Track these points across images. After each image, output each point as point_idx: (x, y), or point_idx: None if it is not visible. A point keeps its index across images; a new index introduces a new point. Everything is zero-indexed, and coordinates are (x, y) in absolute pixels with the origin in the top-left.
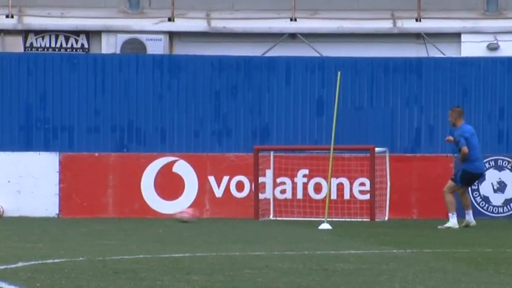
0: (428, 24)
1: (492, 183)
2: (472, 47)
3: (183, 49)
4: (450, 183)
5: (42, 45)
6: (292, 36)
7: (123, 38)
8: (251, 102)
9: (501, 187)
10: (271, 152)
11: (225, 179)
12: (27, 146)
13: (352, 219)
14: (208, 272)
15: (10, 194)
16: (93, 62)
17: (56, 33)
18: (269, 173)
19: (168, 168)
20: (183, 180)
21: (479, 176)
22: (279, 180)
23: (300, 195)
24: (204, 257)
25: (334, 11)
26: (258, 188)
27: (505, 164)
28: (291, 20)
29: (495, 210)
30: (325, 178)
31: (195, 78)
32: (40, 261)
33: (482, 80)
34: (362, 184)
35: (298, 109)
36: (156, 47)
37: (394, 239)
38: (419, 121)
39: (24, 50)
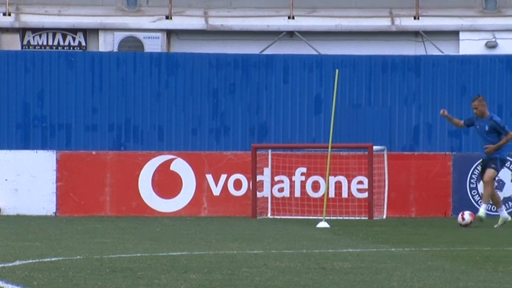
0: (427, 22)
1: None
2: (470, 45)
3: (180, 47)
4: (494, 172)
5: (40, 43)
6: (290, 34)
7: (120, 36)
8: (249, 100)
9: (499, 185)
10: (269, 150)
11: (223, 177)
12: (24, 144)
13: (350, 218)
14: (206, 271)
15: (7, 192)
16: (90, 60)
17: (54, 31)
18: (267, 171)
19: (166, 167)
20: (180, 178)
21: None
22: (276, 178)
23: (298, 194)
24: (201, 255)
25: (332, 8)
26: (255, 186)
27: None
28: (289, 18)
29: (493, 208)
30: (323, 176)
31: (192, 76)
32: (37, 260)
33: (480, 77)
34: (360, 182)
35: (296, 107)
36: (154, 45)
37: (392, 237)
38: (418, 119)
39: (22, 48)
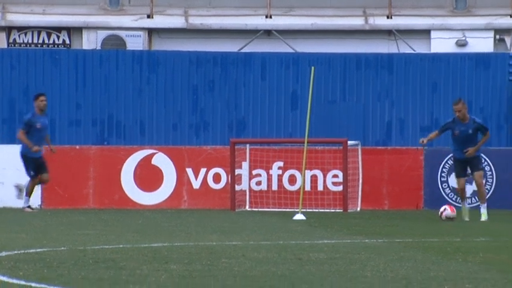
0: (399, 21)
1: None
2: (441, 44)
3: (161, 45)
4: (483, 173)
5: (25, 41)
6: (268, 32)
7: (103, 34)
8: (228, 97)
9: (468, 178)
10: (247, 145)
11: (203, 171)
12: (10, 138)
13: (326, 210)
14: (186, 261)
15: None
16: (74, 57)
17: (39, 29)
18: (245, 165)
19: (147, 161)
20: (162, 172)
21: None
22: (254, 172)
23: (275, 187)
24: (182, 246)
25: (308, 8)
26: (234, 179)
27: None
28: (266, 17)
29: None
30: (300, 170)
31: (173, 73)
32: (23, 251)
33: (451, 75)
34: (335, 176)
35: (273, 103)
36: (136, 43)
37: (366, 229)
38: (391, 115)
39: (8, 45)
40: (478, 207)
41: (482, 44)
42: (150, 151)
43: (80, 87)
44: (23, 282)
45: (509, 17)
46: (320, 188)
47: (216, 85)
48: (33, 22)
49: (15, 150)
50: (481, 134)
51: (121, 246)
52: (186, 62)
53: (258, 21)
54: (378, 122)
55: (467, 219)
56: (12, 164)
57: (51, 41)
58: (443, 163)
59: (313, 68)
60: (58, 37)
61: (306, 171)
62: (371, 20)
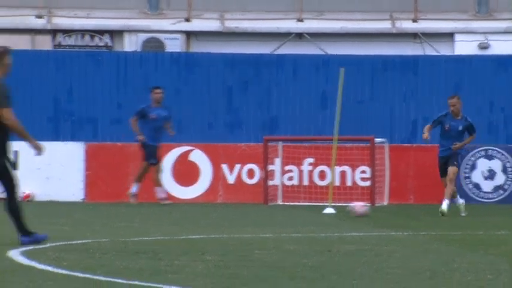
0: (424, 25)
1: (482, 171)
2: (465, 46)
3: (198, 47)
4: (457, 169)
5: (69, 43)
6: (299, 35)
7: (143, 37)
8: (261, 97)
9: (490, 175)
10: (280, 142)
11: (237, 167)
12: (55, 136)
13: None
14: (221, 253)
15: (39, 180)
16: (115, 59)
17: (82, 32)
18: (277, 161)
19: (185, 157)
20: (198, 168)
21: None
22: (286, 168)
23: (306, 182)
24: (217, 238)
25: (337, 12)
26: (267, 175)
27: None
28: (298, 20)
29: (485, 196)
30: (329, 166)
31: (209, 74)
32: (67, 242)
33: (473, 76)
34: (363, 172)
35: (304, 103)
36: (174, 45)
37: (393, 222)
38: (416, 114)
39: (53, 48)
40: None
41: (503, 46)
42: (187, 148)
43: (120, 88)
44: (67, 272)
45: None
46: (349, 183)
47: (249, 86)
48: (77, 25)
49: (60, 147)
50: (468, 133)
51: (160, 238)
52: (222, 64)
53: (290, 25)
54: (403, 120)
55: (463, 214)
56: (57, 160)
57: (94, 44)
58: (465, 160)
59: (342, 69)
60: (101, 39)
61: (336, 167)
62: (397, 24)
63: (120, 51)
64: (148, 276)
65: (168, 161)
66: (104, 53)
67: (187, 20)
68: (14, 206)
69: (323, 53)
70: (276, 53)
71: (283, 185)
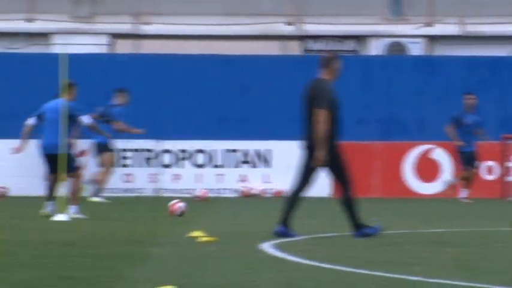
0: None
1: None
2: None
3: (440, 51)
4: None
5: (317, 48)
6: None
7: (387, 41)
8: (498, 96)
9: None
10: None
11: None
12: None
13: None
14: (462, 245)
15: (290, 177)
16: (360, 62)
17: (329, 38)
18: None
19: (426, 155)
20: (439, 165)
21: None
22: None
23: None
24: (458, 232)
25: None
26: (505, 171)
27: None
28: None
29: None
30: None
31: (450, 77)
32: (315, 235)
33: None
34: None
35: None
36: (416, 49)
37: None
38: None
39: (301, 53)
40: None
41: None
42: (429, 146)
43: (366, 89)
44: (315, 263)
45: None
46: None
47: (488, 86)
48: (325, 31)
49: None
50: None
51: (405, 231)
52: (461, 66)
53: None
54: None
55: None
56: None
57: (340, 48)
58: None
59: None
60: (347, 44)
61: None
62: None
63: (364, 55)
64: (397, 266)
65: (410, 158)
66: (349, 57)
67: (429, 24)
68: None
69: None
70: None
71: None
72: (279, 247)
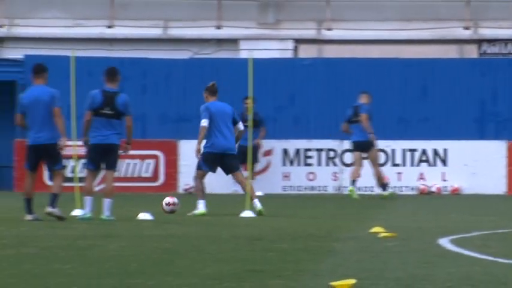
0: None
1: None
2: None
3: None
4: None
5: (494, 51)
6: None
7: None
8: None
9: None
10: None
11: None
12: (480, 135)
13: None
14: None
15: (466, 175)
16: None
17: (506, 41)
18: None
19: None
20: None
21: None
22: None
23: None
24: None
25: None
26: None
27: None
28: None
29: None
30: None
31: None
32: (491, 231)
33: None
34: None
35: None
36: None
37: None
38: None
39: (479, 56)
40: None
41: None
42: None
43: None
44: (491, 258)
45: None
46: None
47: None
48: (501, 35)
49: (484, 145)
50: None
51: None
52: None
53: None
54: None
55: None
56: (482, 157)
57: None
58: None
59: None
60: None
61: None
62: None
63: None
64: None
65: None
66: None
67: None
68: None
69: None
70: None
71: None
72: (456, 242)
